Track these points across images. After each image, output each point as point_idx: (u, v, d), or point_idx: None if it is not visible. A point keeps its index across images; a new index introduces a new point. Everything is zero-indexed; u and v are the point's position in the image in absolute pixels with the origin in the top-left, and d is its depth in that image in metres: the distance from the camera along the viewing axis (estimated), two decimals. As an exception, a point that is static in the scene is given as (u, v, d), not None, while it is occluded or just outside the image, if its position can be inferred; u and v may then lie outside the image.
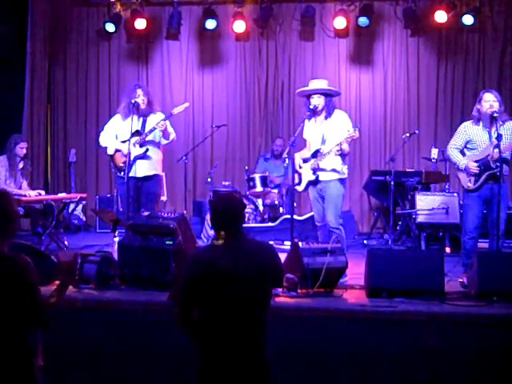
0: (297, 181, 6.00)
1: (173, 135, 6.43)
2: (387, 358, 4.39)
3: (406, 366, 4.38)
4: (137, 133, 6.24)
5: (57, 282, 2.74)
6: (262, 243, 3.09)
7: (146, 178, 6.32)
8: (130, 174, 6.21)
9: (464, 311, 4.74)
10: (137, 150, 6.24)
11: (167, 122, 6.27)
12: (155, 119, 6.31)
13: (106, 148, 6.51)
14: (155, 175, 6.38)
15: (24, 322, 2.58)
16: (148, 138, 6.25)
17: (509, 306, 4.76)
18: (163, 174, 7.01)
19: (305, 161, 5.94)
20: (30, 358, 2.64)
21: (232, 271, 2.87)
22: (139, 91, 6.27)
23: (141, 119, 6.31)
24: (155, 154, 6.35)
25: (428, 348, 4.44)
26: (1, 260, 2.57)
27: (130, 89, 6.45)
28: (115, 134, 6.40)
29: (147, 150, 6.26)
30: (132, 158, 6.22)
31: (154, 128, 6.19)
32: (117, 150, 6.34)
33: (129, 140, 6.13)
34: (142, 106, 6.26)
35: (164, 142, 6.37)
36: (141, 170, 6.28)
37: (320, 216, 5.92)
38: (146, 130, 6.24)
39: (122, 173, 6.23)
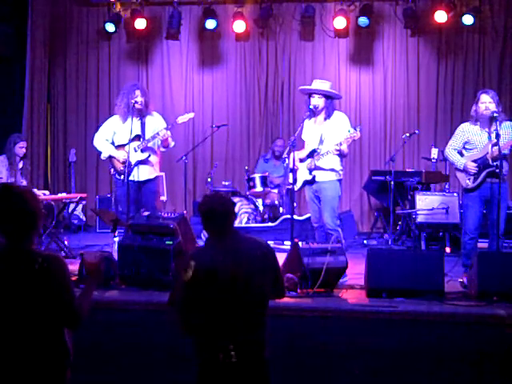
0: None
1: (172, 144, 6.41)
2: (387, 358, 4.39)
3: (406, 366, 4.37)
4: (137, 137, 6.22)
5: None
6: (256, 240, 3.08)
7: (147, 181, 6.34)
8: (131, 178, 6.19)
9: (464, 311, 4.74)
10: (138, 155, 6.23)
11: (168, 132, 6.20)
12: (153, 122, 6.30)
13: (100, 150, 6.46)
14: (156, 177, 6.41)
15: (56, 321, 2.60)
16: (149, 145, 6.24)
17: (509, 306, 4.76)
18: (163, 173, 7.02)
19: (301, 160, 5.93)
20: (63, 357, 2.66)
21: (229, 270, 2.87)
22: (137, 92, 6.21)
23: (139, 122, 6.26)
24: (154, 158, 6.35)
25: (428, 348, 4.44)
26: (29, 257, 2.58)
27: (127, 89, 6.35)
28: (112, 136, 6.34)
29: (149, 155, 6.26)
30: (134, 163, 6.20)
31: (155, 136, 6.16)
32: (111, 157, 6.31)
33: (128, 143, 6.10)
34: (138, 107, 6.20)
35: (162, 149, 6.39)
36: (142, 174, 6.28)
37: (316, 217, 5.91)
38: (147, 134, 6.22)
39: (122, 176, 6.20)
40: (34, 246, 2.66)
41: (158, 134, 6.15)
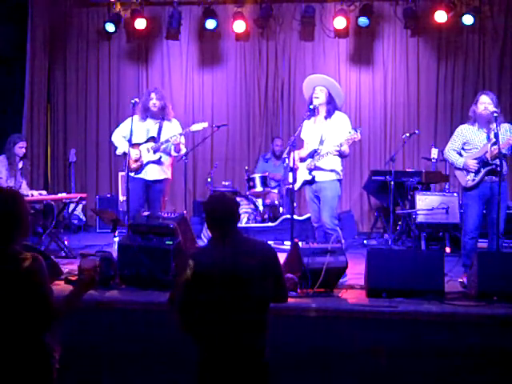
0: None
1: (183, 151, 6.55)
2: (387, 358, 4.39)
3: (406, 366, 4.37)
4: (152, 139, 6.38)
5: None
6: (260, 242, 3.09)
7: (156, 182, 6.42)
8: (141, 176, 6.36)
9: (464, 311, 4.74)
10: (150, 156, 6.37)
11: (182, 138, 6.39)
12: (171, 127, 6.44)
13: (110, 146, 6.58)
14: (165, 179, 6.48)
15: (34, 321, 2.58)
16: (162, 147, 6.37)
17: (509, 306, 4.76)
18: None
19: (301, 160, 5.93)
20: (46, 355, 2.64)
21: (230, 271, 2.87)
22: (153, 95, 6.40)
23: (157, 125, 6.41)
24: (166, 159, 6.47)
25: (428, 348, 4.44)
26: (13, 258, 2.59)
27: (146, 91, 6.65)
28: (129, 134, 6.44)
29: (160, 157, 6.39)
30: (145, 162, 6.36)
31: (168, 140, 6.30)
32: (125, 153, 6.41)
33: (130, 145, 6.21)
34: (154, 109, 6.36)
35: (174, 154, 6.49)
36: (152, 173, 6.40)
37: (316, 217, 5.91)
38: (162, 138, 6.36)
39: (134, 173, 6.35)
40: (17, 246, 2.65)
41: (169, 139, 6.29)
